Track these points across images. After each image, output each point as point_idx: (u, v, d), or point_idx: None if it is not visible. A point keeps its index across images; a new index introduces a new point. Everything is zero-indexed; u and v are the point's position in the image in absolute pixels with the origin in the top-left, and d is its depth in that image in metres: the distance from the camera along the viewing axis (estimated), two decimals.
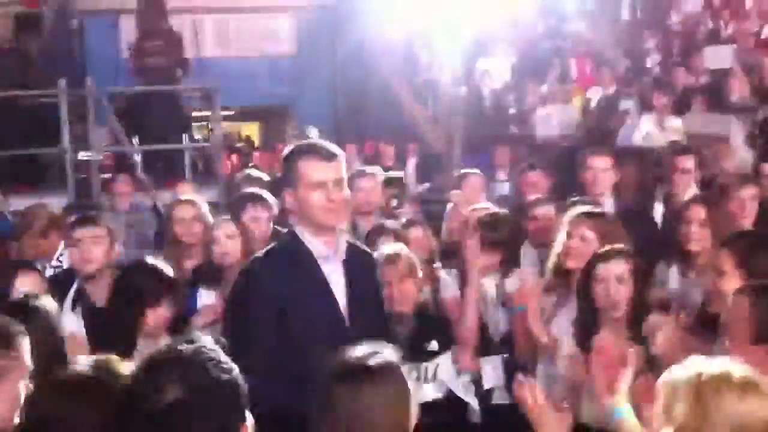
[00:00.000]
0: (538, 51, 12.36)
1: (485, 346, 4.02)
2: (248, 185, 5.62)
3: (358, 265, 3.13)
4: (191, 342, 1.90)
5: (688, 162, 5.48)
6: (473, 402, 3.90)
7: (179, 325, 3.87)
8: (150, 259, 3.81)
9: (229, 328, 3.19)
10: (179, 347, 1.89)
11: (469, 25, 12.11)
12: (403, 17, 12.14)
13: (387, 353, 2.18)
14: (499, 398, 3.97)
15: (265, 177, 6.33)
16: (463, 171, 6.03)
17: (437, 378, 3.77)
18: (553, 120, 10.25)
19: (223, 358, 1.90)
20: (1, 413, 2.26)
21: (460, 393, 3.82)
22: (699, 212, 4.15)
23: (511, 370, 3.88)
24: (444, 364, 3.80)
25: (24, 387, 2.37)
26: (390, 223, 4.77)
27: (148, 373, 1.87)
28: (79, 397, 2.13)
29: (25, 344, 2.47)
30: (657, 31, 11.13)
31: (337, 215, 3.04)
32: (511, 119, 11.15)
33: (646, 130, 9.01)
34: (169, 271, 3.77)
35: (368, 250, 3.37)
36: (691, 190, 5.22)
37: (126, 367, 2.19)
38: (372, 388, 2.09)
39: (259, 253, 3.21)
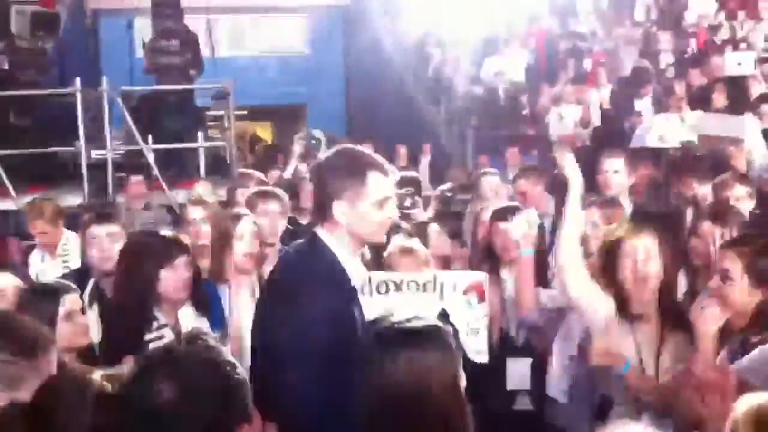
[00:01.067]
0: (552, 51, 12.34)
1: (508, 348, 4.00)
2: (248, 184, 5.64)
3: None
4: (193, 340, 1.91)
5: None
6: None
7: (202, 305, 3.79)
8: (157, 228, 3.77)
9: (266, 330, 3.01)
10: (177, 346, 1.91)
11: (482, 24, 12.09)
12: (416, 17, 12.13)
13: (432, 317, 2.18)
14: (521, 404, 3.92)
15: (263, 176, 6.29)
16: (482, 170, 6.03)
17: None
18: (566, 120, 10.24)
19: (225, 357, 1.90)
20: None
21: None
22: (708, 228, 4.11)
23: (535, 376, 3.87)
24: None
25: None
26: (404, 224, 4.78)
27: (142, 373, 1.88)
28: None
29: (52, 351, 2.46)
30: (671, 32, 11.09)
31: (385, 233, 3.00)
32: (524, 119, 11.14)
33: (660, 132, 8.98)
34: (177, 238, 3.72)
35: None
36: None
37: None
38: (420, 352, 2.06)
39: (287, 267, 3.08)
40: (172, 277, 3.49)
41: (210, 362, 1.88)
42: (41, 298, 3.18)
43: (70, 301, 3.23)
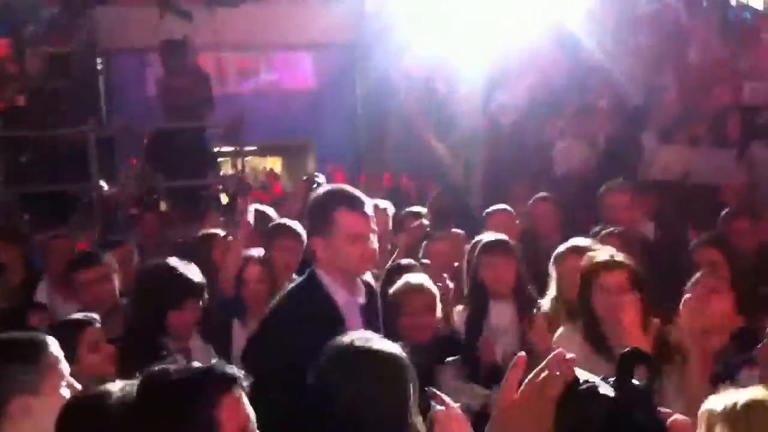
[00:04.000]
0: (556, 84, 12.43)
1: (494, 375, 4.04)
2: (259, 221, 5.71)
3: (371, 304, 3.22)
4: None
5: None
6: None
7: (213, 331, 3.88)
8: (172, 261, 3.82)
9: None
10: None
11: (487, 58, 12.22)
12: (421, 52, 12.28)
13: (390, 343, 2.28)
14: None
15: (274, 212, 6.37)
16: (492, 208, 6.10)
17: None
18: (572, 154, 10.32)
19: None
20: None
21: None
22: (708, 254, 4.21)
23: None
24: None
25: (69, 388, 2.47)
26: (410, 262, 4.87)
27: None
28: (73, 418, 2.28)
29: (54, 350, 2.55)
30: (675, 65, 11.20)
31: (369, 266, 3.13)
32: (530, 152, 11.21)
33: (665, 164, 9.09)
34: (192, 272, 3.78)
35: (370, 283, 3.44)
36: None
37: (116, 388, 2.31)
38: (371, 369, 2.19)
39: (281, 301, 3.23)
40: (179, 319, 3.63)
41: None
42: (64, 332, 3.25)
43: (93, 333, 3.33)
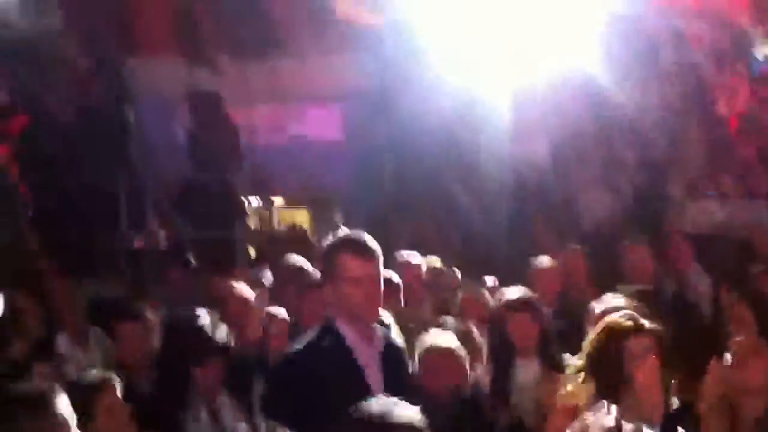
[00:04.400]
0: (582, 135, 12.43)
1: None
2: (291, 272, 5.71)
3: (393, 359, 3.21)
4: None
5: None
6: None
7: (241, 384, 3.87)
8: (199, 318, 3.86)
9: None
10: None
11: (511, 107, 12.26)
12: (447, 104, 12.32)
13: (412, 410, 2.20)
14: None
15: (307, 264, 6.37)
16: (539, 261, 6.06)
17: None
18: (598, 206, 10.30)
19: None
20: None
21: None
22: (739, 311, 4.19)
23: None
24: None
25: None
26: (450, 321, 4.85)
27: None
28: None
29: (61, 402, 2.53)
30: (702, 117, 11.20)
31: (374, 310, 3.15)
32: (555, 203, 11.20)
33: (694, 217, 9.06)
34: (218, 331, 3.82)
35: (400, 344, 3.44)
36: None
37: None
38: None
39: (297, 346, 3.27)
40: (204, 376, 3.67)
41: None
42: (81, 392, 3.21)
43: (112, 395, 3.30)
